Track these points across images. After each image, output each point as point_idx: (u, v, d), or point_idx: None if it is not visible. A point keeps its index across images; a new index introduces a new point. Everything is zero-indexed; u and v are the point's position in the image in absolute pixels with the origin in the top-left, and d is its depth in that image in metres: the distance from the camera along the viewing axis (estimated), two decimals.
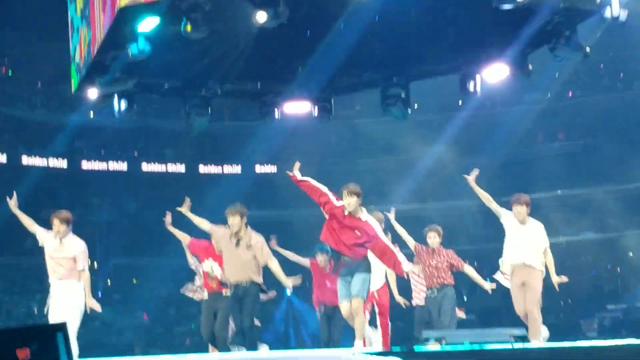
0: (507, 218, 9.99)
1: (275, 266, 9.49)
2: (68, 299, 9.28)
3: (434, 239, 10.81)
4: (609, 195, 25.53)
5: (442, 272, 10.68)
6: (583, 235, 26.42)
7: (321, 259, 11.18)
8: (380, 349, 8.96)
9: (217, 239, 9.76)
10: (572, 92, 27.92)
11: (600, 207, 25.58)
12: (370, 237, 8.71)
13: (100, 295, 25.53)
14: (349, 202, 8.71)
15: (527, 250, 9.81)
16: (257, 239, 9.55)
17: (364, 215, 8.81)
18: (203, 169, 28.62)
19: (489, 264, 12.14)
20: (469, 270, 10.91)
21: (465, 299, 24.85)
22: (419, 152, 27.05)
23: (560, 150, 27.48)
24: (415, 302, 11.32)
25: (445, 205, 26.02)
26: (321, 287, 11.26)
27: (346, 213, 8.77)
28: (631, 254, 25.13)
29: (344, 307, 8.81)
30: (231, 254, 9.51)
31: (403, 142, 26.18)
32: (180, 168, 28.42)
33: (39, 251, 9.83)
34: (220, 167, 28.60)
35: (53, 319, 9.11)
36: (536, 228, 9.92)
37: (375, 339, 10.55)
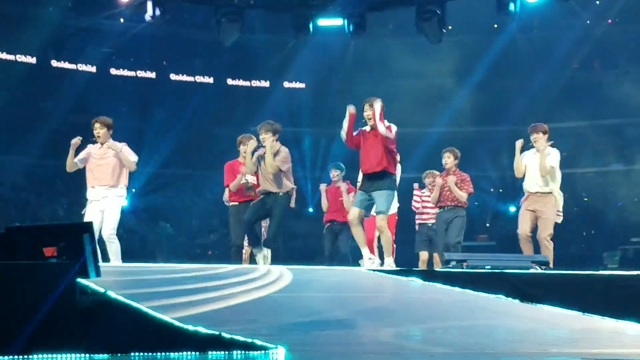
0: (525, 155, 9.98)
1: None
2: (110, 204, 9.33)
3: (447, 159, 10.78)
4: (635, 127, 25.17)
5: (454, 194, 10.65)
6: (612, 166, 26.18)
7: (334, 173, 11.27)
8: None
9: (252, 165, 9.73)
10: (611, 20, 27.26)
11: (631, 139, 25.25)
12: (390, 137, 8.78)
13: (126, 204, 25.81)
14: (369, 114, 8.78)
15: (539, 177, 9.77)
16: (283, 148, 9.52)
17: (386, 123, 8.87)
18: (231, 81, 28.48)
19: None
20: (462, 197, 10.73)
21: (487, 225, 24.89)
22: (452, 74, 26.68)
23: (594, 79, 27.00)
24: (418, 222, 11.37)
25: (475, 130, 25.83)
26: (333, 206, 11.32)
27: (368, 129, 8.86)
28: None
29: (352, 212, 8.86)
30: (261, 169, 9.54)
31: (436, 63, 25.80)
32: (208, 80, 28.29)
33: (63, 154, 9.84)
34: (248, 81, 28.44)
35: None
36: (549, 155, 9.80)
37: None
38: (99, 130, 9.39)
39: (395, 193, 9.45)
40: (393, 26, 26.14)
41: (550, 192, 9.82)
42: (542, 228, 9.70)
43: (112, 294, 4.51)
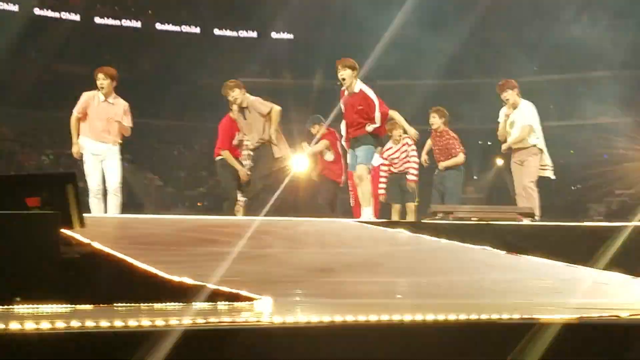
0: (502, 112, 10.06)
1: (275, 113, 9.40)
2: (113, 156, 9.22)
3: (433, 119, 10.71)
4: (627, 79, 25.19)
5: (442, 156, 10.62)
6: (599, 119, 26.26)
7: (315, 129, 11.09)
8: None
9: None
10: None
11: (620, 92, 25.24)
12: (368, 103, 8.76)
13: None
14: (342, 75, 8.78)
15: (515, 131, 9.90)
16: (254, 98, 9.52)
17: (358, 86, 8.85)
18: (218, 31, 28.22)
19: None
20: (454, 161, 10.69)
21: (475, 177, 24.95)
22: (445, 21, 26.50)
23: (580, 33, 26.92)
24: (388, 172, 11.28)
25: (461, 82, 25.80)
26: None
27: (346, 93, 8.85)
28: None
29: (355, 174, 9.05)
30: (242, 125, 9.55)
31: (421, 15, 25.62)
32: (195, 29, 28.02)
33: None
34: (235, 31, 28.20)
35: (94, 178, 9.08)
36: (522, 109, 9.91)
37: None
38: (102, 81, 9.13)
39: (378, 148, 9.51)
40: None
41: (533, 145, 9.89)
42: (526, 178, 9.82)
43: (96, 244, 4.48)
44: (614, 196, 23.51)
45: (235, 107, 9.66)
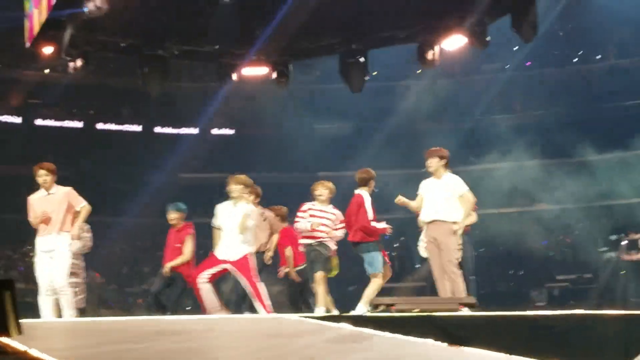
0: (421, 185, 9.54)
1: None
2: (60, 252, 9.09)
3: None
4: (561, 167, 25.80)
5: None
6: (536, 206, 26.73)
7: (171, 216, 10.94)
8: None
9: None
10: (530, 63, 28.16)
11: (556, 179, 25.80)
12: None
13: None
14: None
15: (437, 205, 9.24)
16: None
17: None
18: (159, 129, 28.37)
19: None
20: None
21: (417, 266, 25.07)
22: (377, 119, 27.10)
23: (515, 121, 27.73)
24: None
25: (401, 173, 26.14)
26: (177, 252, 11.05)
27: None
28: (581, 225, 25.53)
29: None
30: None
31: (361, 109, 26.19)
32: (136, 128, 28.13)
33: None
34: (176, 129, 28.38)
35: (44, 276, 8.98)
36: (449, 181, 9.34)
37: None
38: (45, 177, 9.17)
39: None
40: (319, 73, 26.50)
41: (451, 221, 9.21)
42: (446, 258, 9.14)
43: (34, 352, 4.42)
44: (555, 282, 23.76)
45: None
